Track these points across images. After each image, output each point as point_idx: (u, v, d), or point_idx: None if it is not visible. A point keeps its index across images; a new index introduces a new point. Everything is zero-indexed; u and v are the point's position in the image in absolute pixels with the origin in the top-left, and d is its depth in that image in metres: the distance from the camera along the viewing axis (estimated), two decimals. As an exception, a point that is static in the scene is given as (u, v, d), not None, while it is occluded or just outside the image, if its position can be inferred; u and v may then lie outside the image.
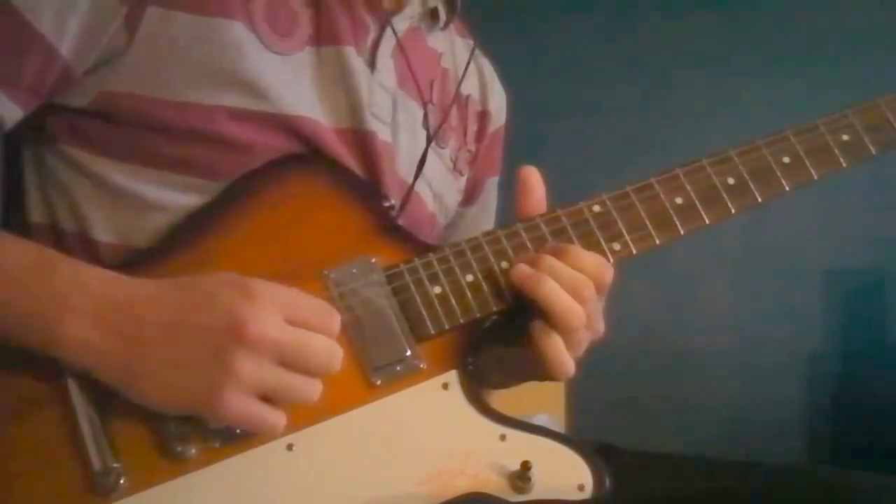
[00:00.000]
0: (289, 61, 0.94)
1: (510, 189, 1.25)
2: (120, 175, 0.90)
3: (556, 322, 0.87)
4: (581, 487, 0.85)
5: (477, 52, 1.19)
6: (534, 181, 0.95)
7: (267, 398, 0.78)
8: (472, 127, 1.17)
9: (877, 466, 1.04)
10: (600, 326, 0.93)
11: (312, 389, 0.80)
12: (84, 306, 0.78)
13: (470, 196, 1.21)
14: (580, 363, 0.91)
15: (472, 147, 1.17)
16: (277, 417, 0.79)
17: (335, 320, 0.81)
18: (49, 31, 0.85)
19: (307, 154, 0.94)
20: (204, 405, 0.77)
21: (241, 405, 0.77)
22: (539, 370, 0.90)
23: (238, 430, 0.81)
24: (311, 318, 0.80)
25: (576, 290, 0.87)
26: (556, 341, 0.88)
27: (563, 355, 0.88)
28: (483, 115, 1.19)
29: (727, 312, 2.80)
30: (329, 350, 0.80)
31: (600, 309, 0.93)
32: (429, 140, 1.06)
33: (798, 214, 2.65)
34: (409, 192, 1.03)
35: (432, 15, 1.09)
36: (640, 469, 1.01)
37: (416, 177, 1.04)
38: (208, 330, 0.77)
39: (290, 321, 0.79)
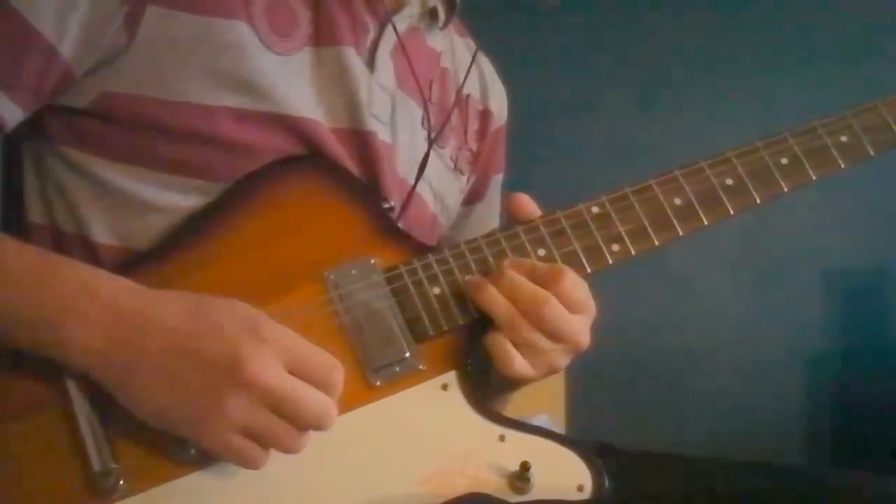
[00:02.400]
0: (288, 61, 0.94)
1: (511, 189, 1.26)
2: (119, 176, 0.90)
3: (498, 323, 0.88)
4: (580, 488, 0.85)
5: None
6: (525, 209, 0.95)
7: (250, 436, 0.78)
8: (473, 126, 1.17)
9: (877, 466, 1.05)
10: (582, 340, 0.90)
11: (297, 442, 0.79)
12: (90, 310, 0.78)
13: (476, 194, 1.21)
14: (574, 362, 0.91)
15: (474, 146, 1.17)
16: (258, 455, 0.78)
17: (337, 377, 0.80)
18: (49, 32, 0.85)
19: (307, 155, 0.94)
20: (188, 430, 0.78)
21: (222, 439, 0.77)
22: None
23: None
24: (313, 371, 0.79)
25: (535, 303, 0.87)
26: (499, 338, 0.88)
27: (504, 348, 0.88)
28: (484, 114, 1.20)
29: (727, 312, 2.80)
30: (322, 408, 0.79)
31: (580, 323, 0.90)
32: (430, 141, 1.06)
33: (798, 214, 2.65)
34: (411, 192, 1.03)
35: (431, 15, 1.09)
36: (640, 469, 1.01)
37: (418, 178, 1.04)
38: (209, 361, 0.77)
39: (292, 370, 0.78)
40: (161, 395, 0.77)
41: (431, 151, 1.07)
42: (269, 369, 0.77)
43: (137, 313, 0.78)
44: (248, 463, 0.78)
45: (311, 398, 0.78)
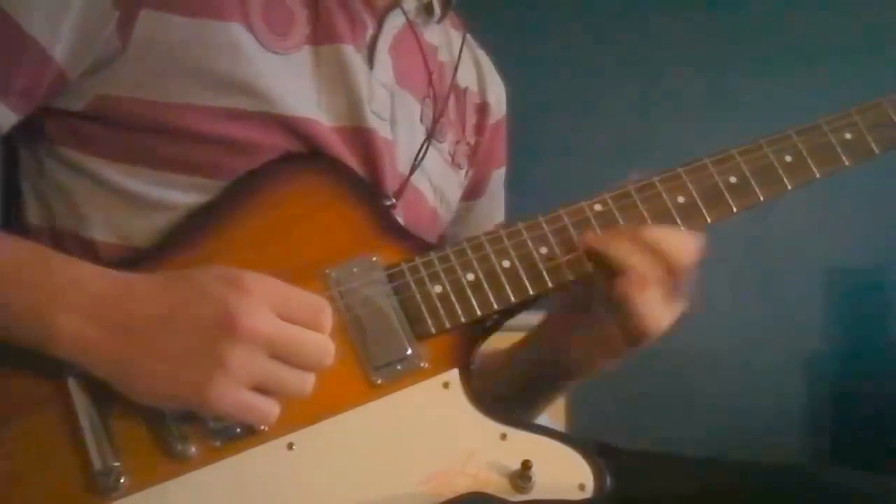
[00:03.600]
0: (287, 61, 0.94)
1: (511, 187, 1.26)
2: (119, 175, 0.90)
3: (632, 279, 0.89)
4: (582, 487, 0.85)
5: (473, 44, 1.20)
6: None
7: (259, 390, 0.78)
8: (471, 120, 1.17)
9: (877, 466, 1.04)
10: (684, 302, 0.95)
11: (304, 382, 0.80)
12: (78, 301, 0.78)
13: (476, 189, 1.20)
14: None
15: (472, 140, 1.17)
16: (269, 406, 0.79)
17: (326, 316, 0.81)
18: (41, 36, 0.85)
19: (308, 153, 0.93)
20: (194, 397, 0.77)
21: (231, 396, 0.77)
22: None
23: (238, 430, 0.81)
24: (303, 314, 0.80)
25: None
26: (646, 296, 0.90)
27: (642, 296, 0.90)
28: (482, 108, 1.19)
29: (728, 312, 2.79)
30: (320, 345, 0.80)
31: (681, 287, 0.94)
32: (430, 135, 1.06)
33: (798, 213, 2.64)
34: (405, 184, 1.03)
35: (427, 9, 1.08)
36: (640, 469, 1.01)
37: (413, 169, 1.03)
38: (199, 323, 0.77)
39: (282, 316, 0.79)
40: (160, 370, 0.77)
41: (431, 146, 1.07)
42: (260, 317, 0.77)
43: (122, 295, 0.79)
44: (261, 417, 0.79)
45: (308, 338, 0.80)
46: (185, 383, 0.77)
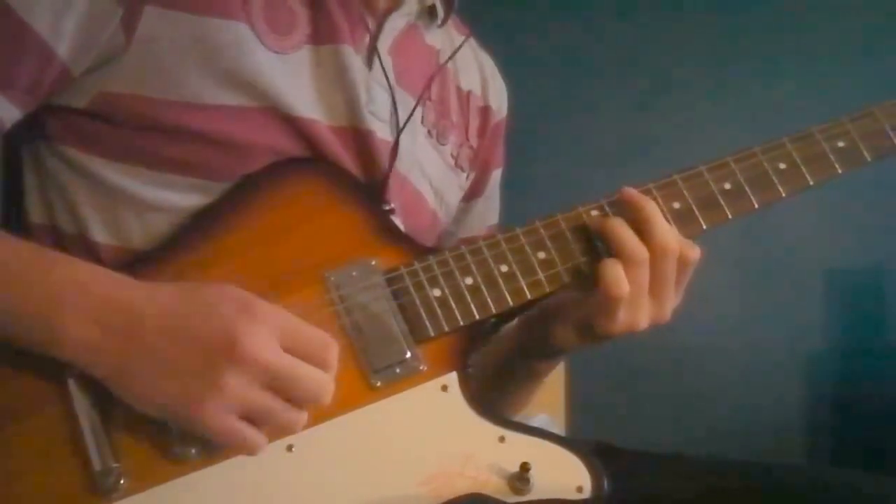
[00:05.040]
0: (287, 60, 0.94)
1: (510, 188, 1.26)
2: (119, 176, 0.90)
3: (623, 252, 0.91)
4: (580, 489, 0.85)
5: (477, 47, 1.20)
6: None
7: (249, 419, 0.78)
8: (474, 123, 1.17)
9: (877, 466, 1.05)
10: (666, 310, 0.96)
11: (296, 419, 0.80)
12: (82, 304, 0.78)
13: (476, 190, 1.21)
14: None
15: (475, 143, 1.17)
16: (256, 438, 0.79)
17: (332, 354, 0.81)
18: (45, 32, 0.85)
19: (308, 157, 0.94)
20: (184, 413, 0.77)
21: (219, 420, 0.77)
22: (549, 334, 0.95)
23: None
24: (308, 348, 0.80)
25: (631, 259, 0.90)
26: (615, 263, 0.90)
27: (618, 271, 0.90)
28: (485, 111, 1.19)
29: (727, 312, 2.79)
30: (319, 383, 0.80)
31: (665, 288, 0.94)
32: (436, 137, 1.06)
33: (798, 215, 2.64)
34: (388, 175, 1.01)
35: (430, 12, 1.09)
36: (640, 469, 1.01)
37: (394, 158, 1.01)
38: (203, 340, 0.77)
39: (287, 348, 0.79)
40: (157, 380, 0.77)
41: (433, 149, 1.08)
42: (265, 346, 0.77)
43: (129, 303, 0.78)
44: (247, 446, 0.79)
45: (308, 374, 0.79)
46: (179, 399, 0.77)
